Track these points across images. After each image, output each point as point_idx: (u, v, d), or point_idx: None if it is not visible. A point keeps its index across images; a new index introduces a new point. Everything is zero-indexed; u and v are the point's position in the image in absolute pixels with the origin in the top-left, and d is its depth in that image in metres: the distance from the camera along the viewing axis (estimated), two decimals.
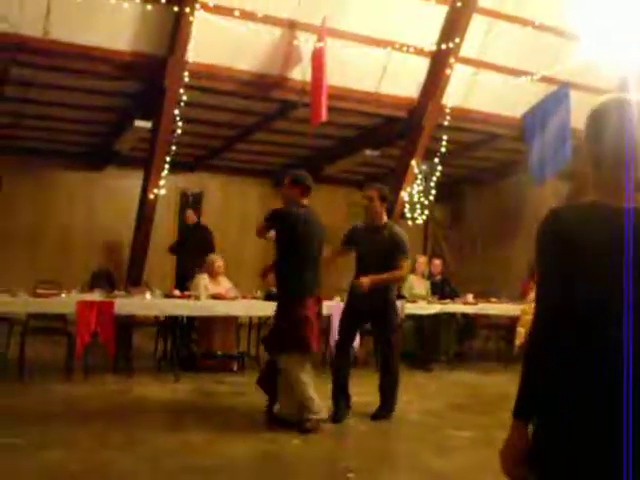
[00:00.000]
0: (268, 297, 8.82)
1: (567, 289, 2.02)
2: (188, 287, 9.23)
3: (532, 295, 11.22)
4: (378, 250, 6.58)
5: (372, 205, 6.66)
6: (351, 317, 6.81)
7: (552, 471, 2.00)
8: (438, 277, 11.29)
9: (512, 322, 10.46)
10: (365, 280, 6.36)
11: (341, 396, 6.63)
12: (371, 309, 6.67)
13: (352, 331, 6.93)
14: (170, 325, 8.95)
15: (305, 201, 6.29)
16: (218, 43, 9.35)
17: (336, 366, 6.85)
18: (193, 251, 11.00)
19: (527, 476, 2.05)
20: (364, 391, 7.03)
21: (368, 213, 6.74)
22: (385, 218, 6.79)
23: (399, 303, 9.45)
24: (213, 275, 9.15)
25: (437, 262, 11.50)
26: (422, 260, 11.11)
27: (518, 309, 10.43)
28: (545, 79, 11.23)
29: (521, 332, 10.28)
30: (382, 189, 6.86)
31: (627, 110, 2.18)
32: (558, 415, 2.00)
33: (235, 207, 14.65)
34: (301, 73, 10.01)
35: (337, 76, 9.88)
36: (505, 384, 8.97)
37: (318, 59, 9.59)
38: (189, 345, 8.97)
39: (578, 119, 11.56)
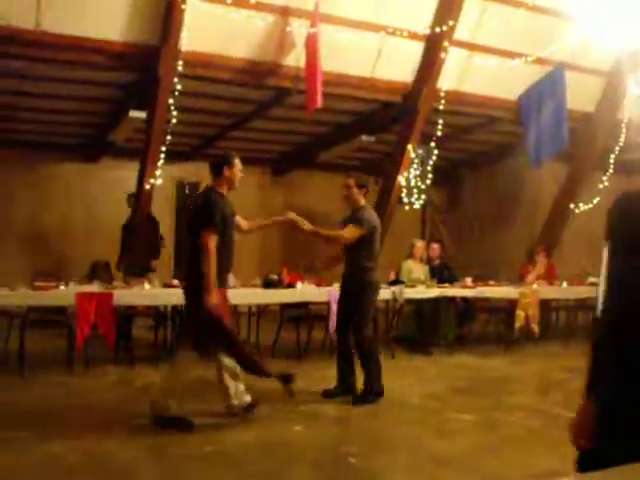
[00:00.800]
0: (267, 285, 8.83)
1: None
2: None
3: (530, 278, 11.28)
4: None
5: (350, 192, 6.98)
6: (339, 304, 7.17)
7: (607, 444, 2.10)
8: (436, 261, 11.29)
9: (511, 305, 10.48)
10: (307, 224, 6.76)
11: (340, 378, 6.89)
12: (346, 290, 6.99)
13: (340, 318, 7.08)
14: (169, 315, 8.95)
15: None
16: (211, 31, 9.30)
17: (338, 351, 7.12)
18: (139, 241, 10.68)
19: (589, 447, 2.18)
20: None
21: (348, 200, 7.03)
22: (362, 203, 7.01)
23: (397, 288, 9.51)
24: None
25: (435, 246, 11.49)
26: (420, 245, 11.10)
27: (517, 292, 10.44)
28: (540, 60, 11.19)
29: (520, 315, 10.31)
30: (359, 177, 7.15)
31: None
32: (622, 396, 2.04)
33: (232, 195, 14.59)
34: (295, 59, 9.96)
35: (331, 62, 9.84)
36: (505, 367, 9.03)
37: (312, 45, 9.54)
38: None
39: (574, 100, 11.62)
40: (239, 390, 5.88)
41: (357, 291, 6.85)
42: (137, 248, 10.58)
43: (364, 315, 6.88)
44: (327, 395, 6.82)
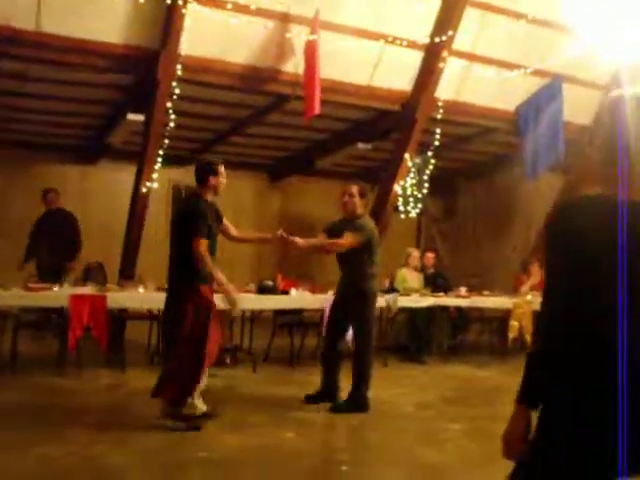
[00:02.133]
0: (261, 290, 8.83)
1: (575, 284, 2.07)
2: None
3: (525, 289, 11.28)
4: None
5: (351, 201, 6.86)
6: (332, 310, 7.09)
7: (549, 457, 2.10)
8: (431, 270, 11.30)
9: (505, 315, 10.49)
10: (298, 240, 6.62)
11: (325, 384, 6.86)
12: (343, 299, 6.88)
13: (333, 324, 7.03)
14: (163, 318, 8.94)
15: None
16: (211, 36, 9.32)
17: (323, 359, 7.04)
18: (54, 240, 10.24)
19: (523, 458, 2.18)
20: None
21: (347, 208, 6.91)
22: (360, 211, 6.95)
23: (392, 296, 9.51)
24: None
25: (430, 255, 11.51)
26: (415, 253, 11.12)
27: (511, 302, 10.45)
28: (538, 72, 11.24)
29: (514, 325, 10.31)
30: (363, 186, 7.12)
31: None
32: (561, 403, 2.09)
33: (229, 200, 14.51)
34: (294, 66, 9.98)
35: (330, 69, 9.86)
36: (498, 377, 9.02)
37: (311, 52, 9.56)
38: None
39: (571, 112, 11.65)
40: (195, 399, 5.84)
41: (361, 299, 6.76)
42: (51, 246, 10.21)
43: (371, 323, 6.88)
44: (310, 400, 6.78)
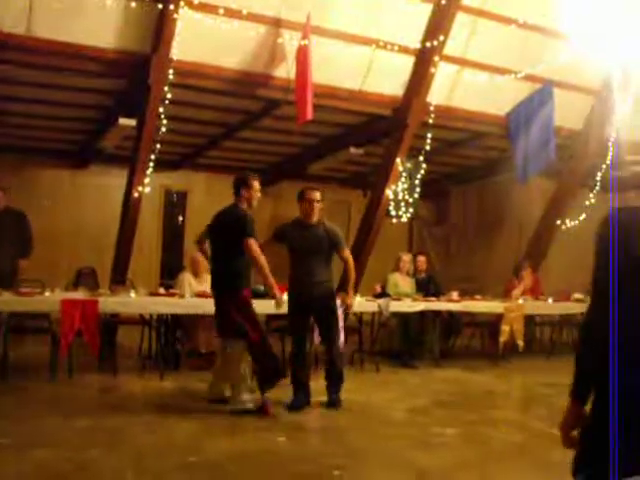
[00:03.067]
0: (253, 295, 8.79)
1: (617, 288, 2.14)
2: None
3: (516, 293, 11.30)
4: (313, 245, 6.92)
5: (319, 205, 7.01)
6: (298, 313, 7.06)
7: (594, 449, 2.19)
8: (423, 275, 11.31)
9: (497, 319, 10.50)
10: (351, 300, 7.21)
11: (300, 390, 6.91)
12: (310, 296, 6.92)
13: (303, 327, 7.11)
14: (155, 324, 8.93)
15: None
16: (202, 41, 9.32)
17: (292, 364, 7.07)
18: (3, 240, 9.80)
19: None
20: (353, 388, 7.04)
21: (314, 214, 6.99)
22: (318, 217, 7.07)
23: (384, 301, 9.52)
24: (197, 273, 9.16)
25: (422, 259, 11.51)
26: (407, 258, 11.12)
27: (502, 307, 10.46)
28: (529, 77, 11.28)
29: (506, 330, 10.33)
30: (321, 192, 7.21)
31: None
32: (605, 399, 2.13)
33: (221, 205, 14.59)
34: (286, 71, 9.98)
35: (322, 74, 9.86)
36: (490, 381, 9.04)
37: (303, 57, 9.57)
38: (174, 343, 8.95)
39: (562, 117, 11.69)
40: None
41: (332, 301, 6.97)
42: (1, 247, 9.76)
43: (338, 325, 7.13)
44: (294, 409, 6.78)
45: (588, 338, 2.28)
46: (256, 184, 6.79)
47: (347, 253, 7.09)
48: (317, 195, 7.00)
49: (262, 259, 6.46)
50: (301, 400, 6.84)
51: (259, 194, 6.84)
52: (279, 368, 6.66)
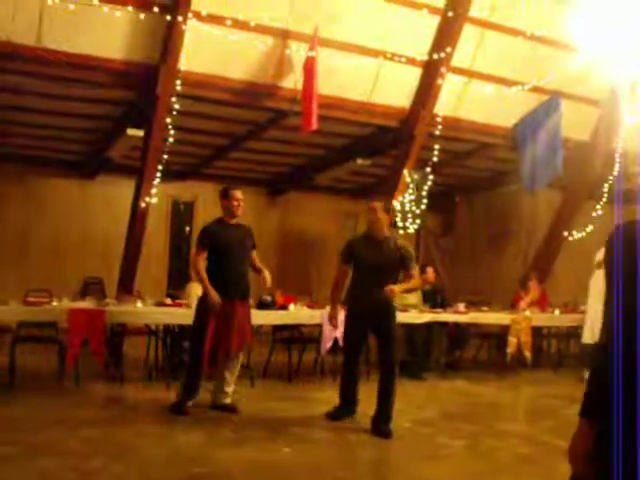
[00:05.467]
0: (260, 305, 8.81)
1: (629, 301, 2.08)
2: None
3: (523, 305, 11.27)
4: (384, 261, 6.67)
5: (376, 218, 6.70)
6: (357, 324, 6.81)
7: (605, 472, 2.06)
8: (430, 286, 11.29)
9: (503, 331, 10.48)
10: (394, 287, 6.59)
11: (346, 402, 6.87)
12: (376, 313, 6.69)
13: (361, 339, 6.94)
14: (161, 333, 8.94)
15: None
16: (210, 52, 9.36)
17: (346, 377, 6.92)
18: None
19: (590, 473, 2.13)
20: (359, 399, 7.02)
21: (372, 226, 6.76)
22: (387, 231, 6.83)
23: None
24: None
25: (430, 271, 11.49)
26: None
27: (509, 318, 10.44)
28: (536, 89, 11.28)
29: (512, 341, 10.31)
30: (386, 202, 7.06)
31: None
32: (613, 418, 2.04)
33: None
34: (293, 82, 10.02)
35: (329, 85, 9.91)
36: (497, 393, 9.02)
37: (309, 68, 9.60)
38: (180, 353, 8.95)
39: (569, 128, 11.69)
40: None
41: (391, 314, 6.76)
42: None
43: (397, 335, 6.92)
44: (334, 417, 6.80)
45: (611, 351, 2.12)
46: (236, 194, 6.89)
47: (416, 272, 6.95)
48: (373, 205, 6.78)
49: (195, 268, 6.88)
50: (344, 412, 6.84)
51: (240, 203, 6.89)
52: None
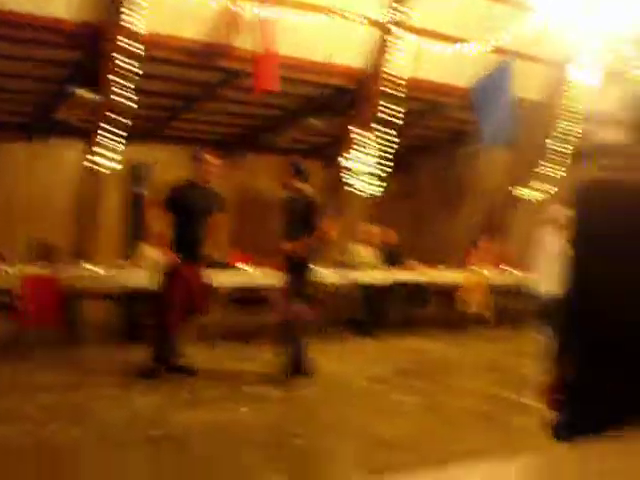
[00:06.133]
0: (212, 266, 8.74)
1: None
2: None
3: (475, 262, 11.38)
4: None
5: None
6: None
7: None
8: (387, 246, 11.35)
9: (461, 290, 10.59)
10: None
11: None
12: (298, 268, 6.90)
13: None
14: (119, 297, 8.90)
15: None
16: (162, 11, 9.21)
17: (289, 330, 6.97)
18: None
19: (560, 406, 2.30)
20: (315, 358, 7.07)
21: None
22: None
23: (345, 271, 9.54)
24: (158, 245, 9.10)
25: (385, 231, 11.55)
26: (370, 229, 11.16)
27: (466, 276, 10.57)
28: (493, 49, 11.30)
29: (470, 299, 10.43)
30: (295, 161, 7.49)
31: None
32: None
33: (185, 177, 14.50)
34: (249, 42, 9.90)
35: (287, 46, 9.82)
36: (451, 350, 9.14)
37: (267, 28, 9.50)
38: (139, 316, 8.90)
39: (524, 88, 11.75)
40: None
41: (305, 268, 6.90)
42: None
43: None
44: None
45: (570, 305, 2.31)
46: (205, 156, 6.91)
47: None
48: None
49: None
50: None
51: (208, 166, 6.90)
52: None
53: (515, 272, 11.41)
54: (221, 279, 8.76)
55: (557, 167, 12.72)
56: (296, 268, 6.85)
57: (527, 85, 11.89)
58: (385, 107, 11.37)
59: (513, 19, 10.68)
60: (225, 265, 8.89)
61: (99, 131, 9.62)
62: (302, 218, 6.84)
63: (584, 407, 2.19)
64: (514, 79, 11.51)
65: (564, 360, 2.30)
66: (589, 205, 2.21)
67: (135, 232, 13.73)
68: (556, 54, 11.88)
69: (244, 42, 9.89)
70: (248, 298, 9.31)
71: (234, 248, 9.78)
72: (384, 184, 12.57)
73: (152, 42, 9.39)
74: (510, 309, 12.01)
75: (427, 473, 1.34)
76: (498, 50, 11.41)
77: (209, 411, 5.69)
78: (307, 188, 7.06)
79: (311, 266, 6.99)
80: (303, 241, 6.80)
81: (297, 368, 6.88)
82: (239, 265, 9.07)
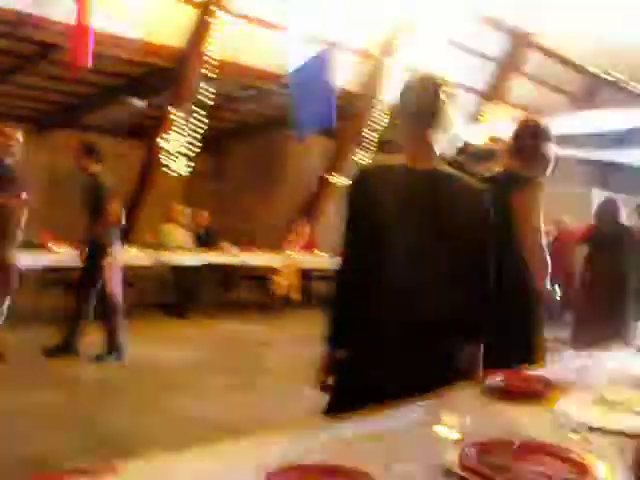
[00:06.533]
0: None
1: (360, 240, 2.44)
2: None
3: (291, 246, 11.65)
4: None
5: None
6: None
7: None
8: (200, 229, 11.39)
9: (273, 273, 10.80)
10: None
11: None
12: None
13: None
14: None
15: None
16: None
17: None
18: None
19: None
20: (128, 341, 7.03)
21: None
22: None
23: (159, 253, 9.50)
24: None
25: (203, 214, 11.58)
26: (183, 210, 11.16)
27: (278, 260, 10.78)
28: (312, 37, 11.50)
29: (281, 283, 10.67)
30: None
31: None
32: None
33: None
34: (65, 15, 9.55)
35: (103, 22, 9.56)
36: (263, 331, 9.34)
37: (82, 1, 9.21)
38: None
39: (341, 78, 12.07)
40: None
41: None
42: None
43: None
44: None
45: (340, 284, 2.53)
46: (7, 131, 6.66)
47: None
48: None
49: None
50: None
51: (13, 140, 6.65)
52: None
53: (324, 255, 11.73)
54: (30, 260, 8.47)
55: (367, 155, 13.24)
56: (94, 251, 7.00)
57: (345, 76, 12.21)
58: (202, 89, 11.35)
59: (332, 8, 10.94)
60: (35, 245, 8.61)
61: None
62: (93, 200, 7.08)
63: (347, 386, 2.41)
64: (333, 69, 11.80)
65: (333, 339, 2.55)
66: (355, 187, 2.48)
67: None
68: (373, 45, 12.31)
69: (61, 14, 9.53)
70: (60, 279, 9.05)
71: (44, 228, 9.47)
72: (193, 164, 12.51)
73: None
74: (321, 291, 12.39)
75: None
76: (317, 39, 11.63)
77: (23, 394, 5.53)
78: (97, 169, 7.06)
79: (109, 249, 7.03)
80: (97, 224, 6.99)
81: (109, 350, 6.86)
82: (50, 245, 8.80)
